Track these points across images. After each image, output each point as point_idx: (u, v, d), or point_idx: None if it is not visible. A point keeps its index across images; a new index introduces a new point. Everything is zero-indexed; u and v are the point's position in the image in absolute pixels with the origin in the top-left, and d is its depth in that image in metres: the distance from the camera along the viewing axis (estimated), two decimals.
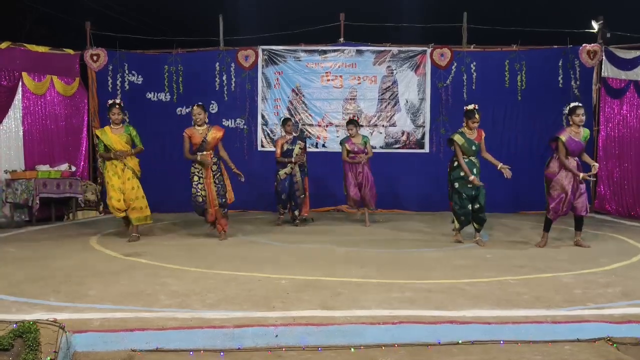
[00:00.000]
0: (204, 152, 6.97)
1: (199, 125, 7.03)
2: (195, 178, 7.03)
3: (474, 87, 10.65)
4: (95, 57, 10.64)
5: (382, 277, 4.84)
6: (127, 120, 9.80)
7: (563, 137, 6.42)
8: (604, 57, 10.31)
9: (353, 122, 8.81)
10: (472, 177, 6.56)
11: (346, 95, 10.90)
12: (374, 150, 10.78)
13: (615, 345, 3.37)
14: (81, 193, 9.68)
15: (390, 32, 11.01)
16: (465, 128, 6.75)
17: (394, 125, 10.88)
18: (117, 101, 7.16)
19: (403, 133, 10.85)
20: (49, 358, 3.05)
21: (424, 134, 10.82)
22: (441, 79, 10.74)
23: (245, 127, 10.84)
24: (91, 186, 10.25)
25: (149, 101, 10.72)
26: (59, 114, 10.31)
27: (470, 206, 6.73)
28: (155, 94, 10.79)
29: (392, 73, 10.84)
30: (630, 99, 10.01)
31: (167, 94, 10.80)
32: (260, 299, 4.06)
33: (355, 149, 8.63)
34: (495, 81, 10.60)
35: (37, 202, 8.70)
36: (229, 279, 4.76)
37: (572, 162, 6.38)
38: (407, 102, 10.84)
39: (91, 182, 10.47)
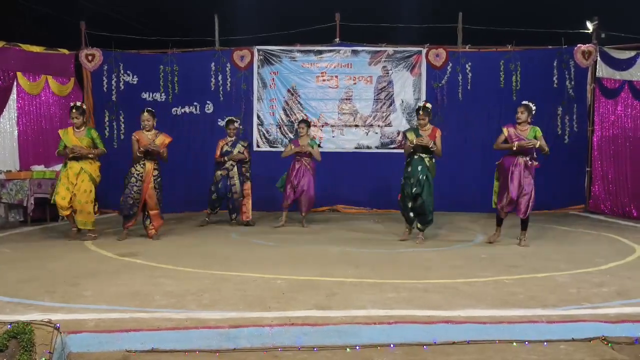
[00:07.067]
0: (152, 147, 6.97)
1: (147, 131, 7.11)
2: (133, 179, 6.99)
3: (469, 87, 10.67)
4: (90, 57, 10.61)
5: (378, 277, 4.84)
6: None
7: (505, 127, 6.72)
8: (598, 58, 10.35)
9: (305, 122, 8.75)
10: (415, 140, 6.74)
11: (342, 95, 10.90)
12: (369, 151, 10.86)
13: (610, 344, 3.38)
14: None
15: (386, 32, 11.00)
16: (418, 125, 6.97)
17: (389, 125, 10.89)
18: (78, 104, 7.16)
19: (399, 133, 10.85)
20: (43, 359, 3.03)
21: None
22: (436, 79, 10.75)
23: (240, 127, 10.80)
24: None
25: (144, 101, 10.67)
26: (54, 114, 10.27)
27: (410, 204, 6.90)
28: (151, 94, 10.76)
29: (388, 73, 10.85)
30: (624, 99, 10.04)
31: (163, 94, 10.77)
32: (256, 299, 4.06)
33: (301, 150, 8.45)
34: (490, 81, 10.62)
35: (32, 202, 8.67)
36: (224, 279, 4.76)
37: (519, 160, 6.55)
38: (402, 102, 10.85)
39: None
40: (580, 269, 5.19)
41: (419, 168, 6.78)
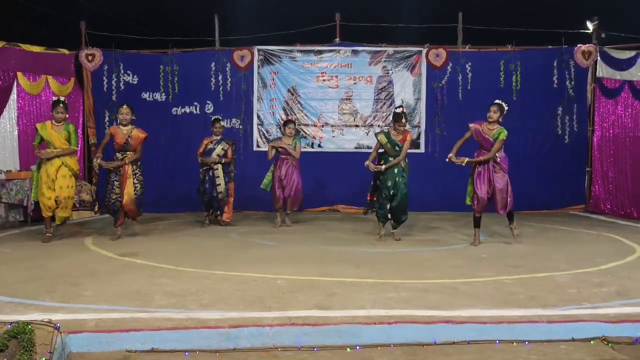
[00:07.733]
0: (127, 153, 7.06)
1: (124, 126, 7.12)
2: (113, 174, 7.06)
3: (469, 87, 10.66)
4: (90, 57, 10.61)
5: (378, 277, 4.84)
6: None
7: (472, 125, 6.75)
8: (598, 58, 10.34)
9: (293, 123, 8.77)
10: (366, 163, 6.96)
11: (342, 95, 10.89)
12: (370, 151, 10.67)
13: (610, 344, 3.39)
14: (76, 193, 9.62)
15: (386, 32, 10.99)
16: (392, 129, 6.99)
17: (389, 125, 10.87)
18: (62, 99, 7.19)
19: None
20: (43, 359, 3.04)
21: (419, 134, 10.82)
22: (436, 79, 10.74)
23: (240, 127, 10.82)
24: (86, 186, 10.21)
25: (144, 101, 10.68)
26: None
27: (388, 205, 6.96)
28: (151, 94, 10.75)
29: (388, 73, 10.85)
30: (624, 99, 10.03)
31: (163, 94, 10.77)
32: (256, 299, 4.07)
33: (283, 151, 8.43)
34: (490, 81, 10.59)
35: (32, 202, 8.66)
36: (224, 279, 4.76)
37: (483, 153, 6.64)
38: (402, 102, 10.82)
39: (86, 182, 10.43)
40: (580, 269, 5.19)
41: (395, 170, 6.88)
